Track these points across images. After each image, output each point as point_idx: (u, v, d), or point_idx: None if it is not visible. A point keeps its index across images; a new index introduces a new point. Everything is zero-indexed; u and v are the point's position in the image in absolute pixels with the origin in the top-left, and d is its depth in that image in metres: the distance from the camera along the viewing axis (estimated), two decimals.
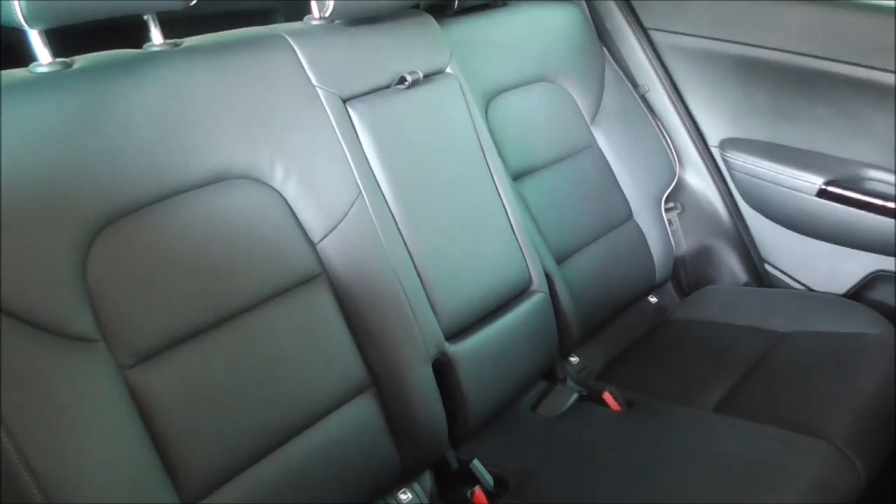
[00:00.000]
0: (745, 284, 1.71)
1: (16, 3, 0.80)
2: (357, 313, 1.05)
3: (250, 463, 0.91)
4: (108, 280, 0.83)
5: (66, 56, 0.89)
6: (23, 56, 0.87)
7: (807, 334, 1.42)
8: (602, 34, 1.70)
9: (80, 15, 0.86)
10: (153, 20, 0.96)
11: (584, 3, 1.70)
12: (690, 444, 1.15)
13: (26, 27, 0.83)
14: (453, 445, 1.19)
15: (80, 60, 0.90)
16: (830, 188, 1.49)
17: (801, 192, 1.53)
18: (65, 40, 0.88)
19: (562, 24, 1.60)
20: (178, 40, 0.99)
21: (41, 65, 0.86)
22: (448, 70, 1.27)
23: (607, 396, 1.28)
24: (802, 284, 1.66)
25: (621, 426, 1.24)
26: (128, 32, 0.95)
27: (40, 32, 0.85)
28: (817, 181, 1.50)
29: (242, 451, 0.90)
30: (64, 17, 0.84)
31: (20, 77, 0.84)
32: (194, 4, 0.95)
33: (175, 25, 0.99)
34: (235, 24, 1.10)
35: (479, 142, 1.27)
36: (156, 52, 0.95)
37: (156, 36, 0.96)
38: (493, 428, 1.25)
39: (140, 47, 0.96)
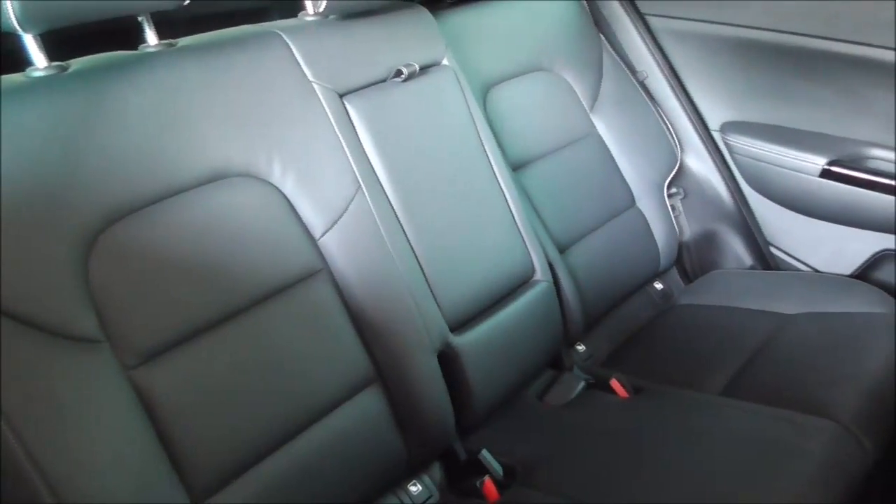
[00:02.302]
0: (751, 268, 1.70)
1: (9, 6, 0.80)
2: (360, 307, 1.05)
3: (258, 460, 0.91)
4: (111, 281, 0.84)
5: (64, 59, 0.89)
6: (22, 61, 0.87)
7: (813, 315, 1.42)
8: (599, 21, 1.69)
9: (73, 17, 0.86)
10: (147, 21, 0.96)
11: None
12: (698, 428, 1.15)
13: (20, 31, 0.83)
14: (461, 436, 1.19)
15: (76, 63, 0.90)
16: (833, 168, 1.48)
17: (803, 173, 1.53)
18: (62, 44, 0.88)
19: (558, 12, 1.59)
20: (172, 40, 0.99)
21: (37, 69, 0.86)
22: (444, 62, 1.27)
23: (614, 383, 1.28)
24: (808, 266, 1.65)
25: (629, 412, 1.23)
26: (123, 34, 0.95)
27: (35, 36, 0.86)
28: (820, 161, 1.49)
29: (249, 448, 0.91)
30: (57, 20, 0.85)
31: (17, 81, 0.85)
32: (188, 5, 0.95)
33: (170, 26, 1.00)
34: (230, 24, 1.10)
35: (478, 133, 1.27)
36: (151, 52, 0.96)
37: (150, 37, 0.97)
38: (501, 418, 1.25)
39: (135, 48, 0.97)
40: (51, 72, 0.86)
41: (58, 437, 0.75)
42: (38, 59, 0.86)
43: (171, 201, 0.91)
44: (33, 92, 0.84)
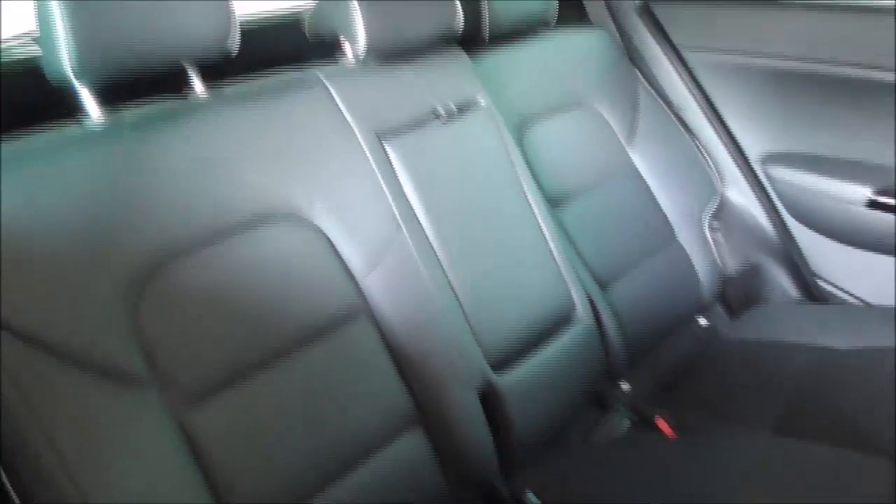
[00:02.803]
0: (797, 301, 1.66)
1: (66, 59, 0.83)
2: (401, 347, 1.05)
3: (301, 501, 0.91)
4: (159, 323, 0.85)
5: (111, 102, 0.92)
6: (71, 106, 0.90)
7: (864, 350, 1.37)
8: (633, 55, 1.70)
9: (126, 69, 0.89)
10: (194, 69, 0.99)
11: (613, 26, 1.71)
12: (750, 469, 1.11)
13: (76, 83, 0.87)
14: (504, 476, 1.17)
15: (128, 114, 0.93)
16: (879, 198, 1.45)
17: (849, 203, 1.50)
18: (110, 90, 0.92)
19: (592, 48, 1.60)
20: (217, 86, 1.02)
21: (91, 118, 0.90)
22: (481, 102, 1.29)
23: (660, 422, 1.25)
24: (857, 298, 1.61)
25: (676, 453, 1.20)
26: (170, 77, 0.99)
27: (89, 87, 0.89)
28: (865, 191, 1.46)
29: (293, 490, 0.90)
30: (111, 72, 0.88)
31: (72, 133, 0.88)
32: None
33: (215, 70, 1.03)
34: (271, 69, 1.13)
35: (515, 171, 1.28)
36: (197, 100, 0.99)
37: (197, 85, 1.00)
38: (545, 458, 1.23)
39: (179, 91, 1.00)
40: (104, 122, 0.90)
41: (103, 475, 0.76)
42: (93, 109, 0.90)
43: (217, 245, 0.92)
44: (89, 143, 0.87)
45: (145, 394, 0.82)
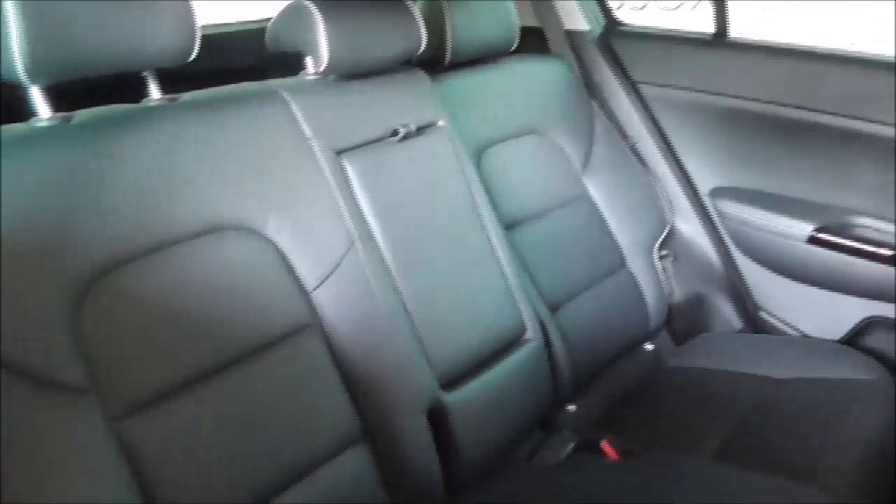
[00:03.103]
0: (740, 331, 1.71)
1: (17, 58, 0.82)
2: (350, 363, 1.05)
3: None
4: (101, 331, 0.83)
5: (66, 110, 0.91)
6: (24, 112, 0.89)
7: (803, 381, 1.41)
8: (591, 87, 1.74)
9: (80, 71, 0.87)
10: (152, 76, 0.98)
11: (572, 58, 1.75)
12: (690, 496, 1.13)
13: (27, 83, 0.85)
14: (449, 496, 1.17)
15: (79, 115, 0.92)
16: (820, 235, 1.50)
17: (792, 239, 1.55)
18: (64, 94, 0.90)
19: (550, 78, 1.64)
20: (175, 95, 1.01)
21: (41, 119, 0.88)
22: (440, 123, 1.30)
23: (605, 445, 1.27)
24: (797, 330, 1.66)
25: (620, 476, 1.21)
26: (127, 86, 0.97)
27: (41, 88, 0.87)
28: (807, 228, 1.52)
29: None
30: (64, 74, 0.86)
31: (20, 131, 0.86)
32: (190, 62, 0.98)
33: (172, 82, 1.02)
34: (232, 81, 1.13)
35: (471, 193, 1.29)
36: (152, 107, 0.98)
37: (154, 91, 0.99)
38: (490, 478, 1.23)
39: (138, 101, 0.99)
40: (54, 122, 0.88)
41: (38, 485, 0.74)
42: (43, 110, 0.88)
43: (164, 253, 0.91)
44: (35, 142, 0.85)
45: (84, 402, 0.80)
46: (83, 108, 0.93)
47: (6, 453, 0.73)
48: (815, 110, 1.48)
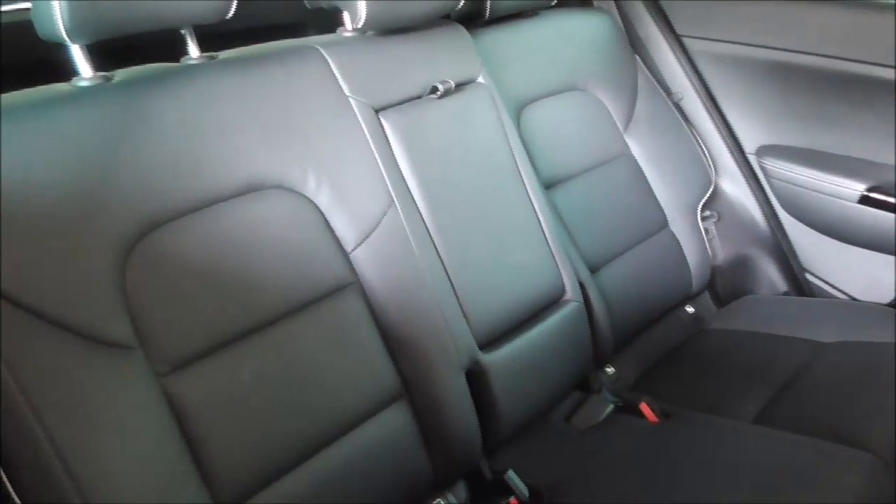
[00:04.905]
0: (785, 294, 1.67)
1: (58, 18, 0.82)
2: (389, 322, 1.05)
3: (283, 472, 0.91)
4: (145, 288, 0.85)
5: (108, 70, 0.91)
6: (68, 72, 0.89)
7: (849, 344, 1.38)
8: (634, 42, 1.69)
9: (119, 29, 0.88)
10: (190, 34, 0.98)
11: (615, 10, 1.70)
12: (728, 456, 1.12)
13: (68, 42, 0.85)
14: (487, 455, 1.18)
15: (120, 74, 0.92)
16: (873, 194, 1.46)
17: (841, 198, 1.50)
18: (106, 54, 0.90)
19: (593, 32, 1.59)
20: (214, 53, 1.01)
21: (83, 78, 0.88)
22: (479, 79, 1.28)
23: (644, 407, 1.26)
24: (844, 293, 1.62)
25: (657, 437, 1.21)
26: (167, 46, 0.97)
27: (82, 47, 0.88)
28: (859, 187, 1.47)
29: (275, 460, 0.91)
30: (104, 32, 0.87)
31: (63, 90, 0.87)
32: (229, 19, 0.97)
33: (211, 40, 1.01)
34: (270, 39, 1.12)
35: (511, 151, 1.27)
36: (192, 65, 0.97)
37: (192, 49, 0.98)
38: (528, 438, 1.23)
39: (177, 60, 0.98)
40: (96, 82, 0.88)
41: (88, 440, 0.76)
42: (84, 69, 0.88)
43: (205, 212, 0.92)
44: (78, 101, 0.85)
45: (131, 359, 0.81)
46: (122, 67, 0.93)
47: (57, 409, 0.75)
48: (870, 63, 1.41)
